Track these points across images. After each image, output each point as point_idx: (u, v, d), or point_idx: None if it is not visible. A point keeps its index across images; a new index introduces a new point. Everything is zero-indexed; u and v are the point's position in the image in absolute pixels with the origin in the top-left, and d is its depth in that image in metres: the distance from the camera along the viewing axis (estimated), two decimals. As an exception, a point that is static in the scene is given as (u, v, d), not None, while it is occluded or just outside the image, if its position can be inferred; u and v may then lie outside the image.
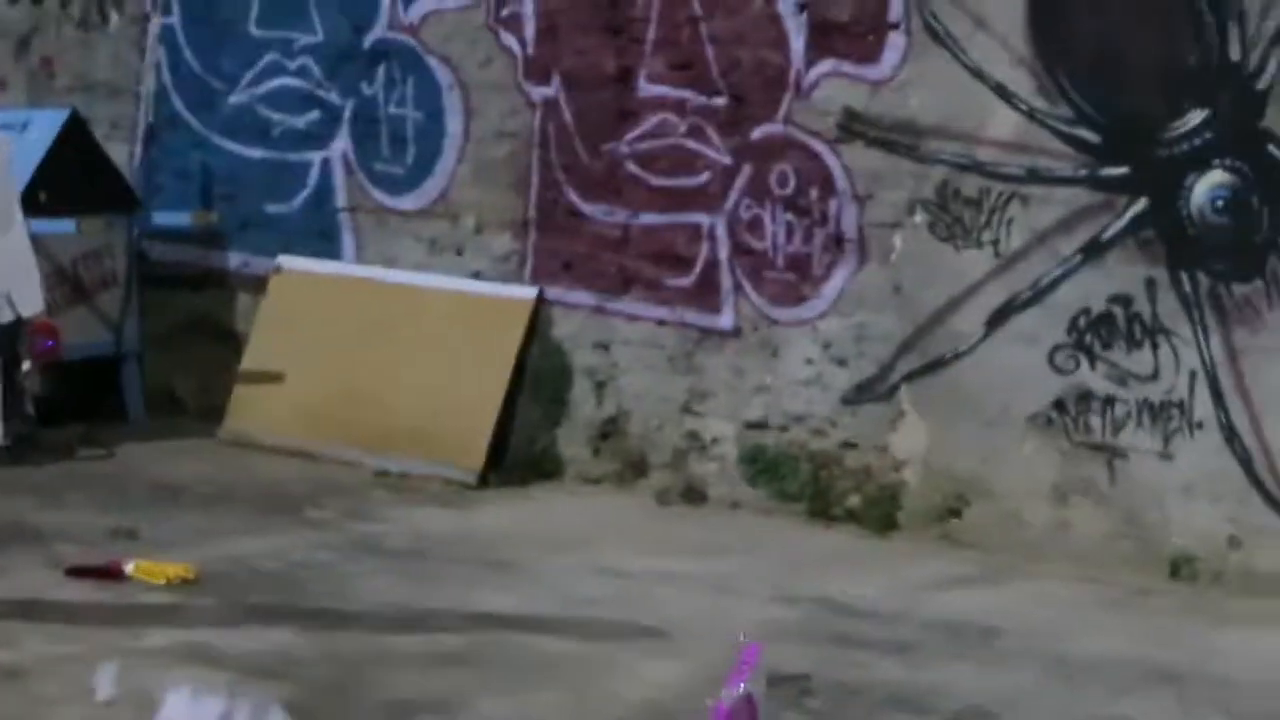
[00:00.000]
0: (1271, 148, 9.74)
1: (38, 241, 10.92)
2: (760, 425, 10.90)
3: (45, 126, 11.75)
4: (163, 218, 12.23)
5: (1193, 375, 9.93)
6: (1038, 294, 10.23)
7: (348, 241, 11.86)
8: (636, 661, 8.36)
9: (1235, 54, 9.80)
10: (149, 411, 11.96)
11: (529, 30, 11.33)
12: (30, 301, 8.37)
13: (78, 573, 9.00)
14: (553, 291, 11.32)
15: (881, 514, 10.58)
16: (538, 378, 11.33)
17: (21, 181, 11.37)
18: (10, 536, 9.37)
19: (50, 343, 8.43)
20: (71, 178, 11.58)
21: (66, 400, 11.80)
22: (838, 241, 10.69)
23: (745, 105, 10.82)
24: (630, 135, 11.13)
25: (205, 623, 8.58)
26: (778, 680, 8.20)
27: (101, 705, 7.46)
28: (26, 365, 11.06)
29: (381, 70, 11.70)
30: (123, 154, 12.21)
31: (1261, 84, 9.76)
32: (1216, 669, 8.62)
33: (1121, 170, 10.07)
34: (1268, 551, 9.74)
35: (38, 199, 11.36)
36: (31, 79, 12.55)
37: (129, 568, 9.13)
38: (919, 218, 10.50)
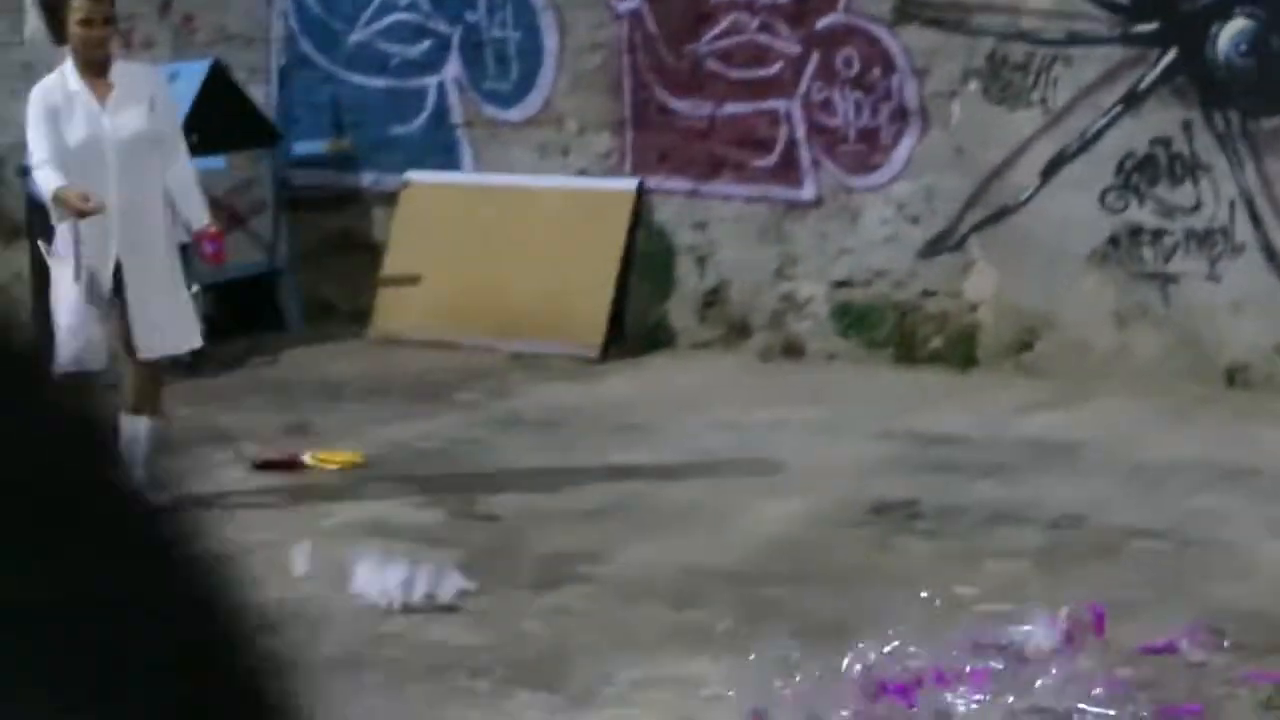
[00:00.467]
0: (1288, -5, 9.76)
1: (202, 174, 11.12)
2: (846, 283, 10.92)
3: (191, 77, 11.81)
4: (301, 147, 12.29)
5: (1232, 204, 9.93)
6: (1085, 144, 10.23)
7: (465, 154, 11.87)
8: (759, 501, 8.44)
9: (1252, -93, 9.80)
10: (305, 320, 12.04)
11: (612, -51, 11.35)
12: (197, 220, 8.45)
13: (264, 466, 9.13)
14: (651, 181, 11.33)
15: (961, 352, 10.61)
16: (645, 259, 11.35)
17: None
18: (202, 439, 9.48)
19: (213, 246, 8.43)
20: (218, 120, 11.63)
21: (232, 316, 11.92)
22: (902, 113, 10.69)
23: (810, 1, 10.82)
24: (708, 35, 11.11)
25: (378, 499, 8.70)
26: (886, 507, 8.33)
27: (300, 580, 7.62)
28: (195, 288, 11.20)
29: (484, -1, 11.73)
30: (261, 95, 12.24)
31: (1275, -64, 9.76)
32: (1278, 465, 8.69)
33: (1152, 26, 10.05)
34: (1311, 355, 9.81)
35: (190, 141, 11.45)
36: (175, 35, 12.57)
37: (307, 458, 9.24)
38: (973, 85, 10.49)
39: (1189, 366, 10.00)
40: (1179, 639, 6.63)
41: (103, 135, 8.26)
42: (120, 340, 8.38)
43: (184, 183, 8.49)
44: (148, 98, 8.42)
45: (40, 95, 8.42)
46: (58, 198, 8.22)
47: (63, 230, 8.34)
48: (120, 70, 8.43)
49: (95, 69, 8.33)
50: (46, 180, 8.31)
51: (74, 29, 8.30)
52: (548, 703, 6.40)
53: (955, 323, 10.64)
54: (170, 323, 8.49)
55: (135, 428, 8.45)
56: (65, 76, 8.39)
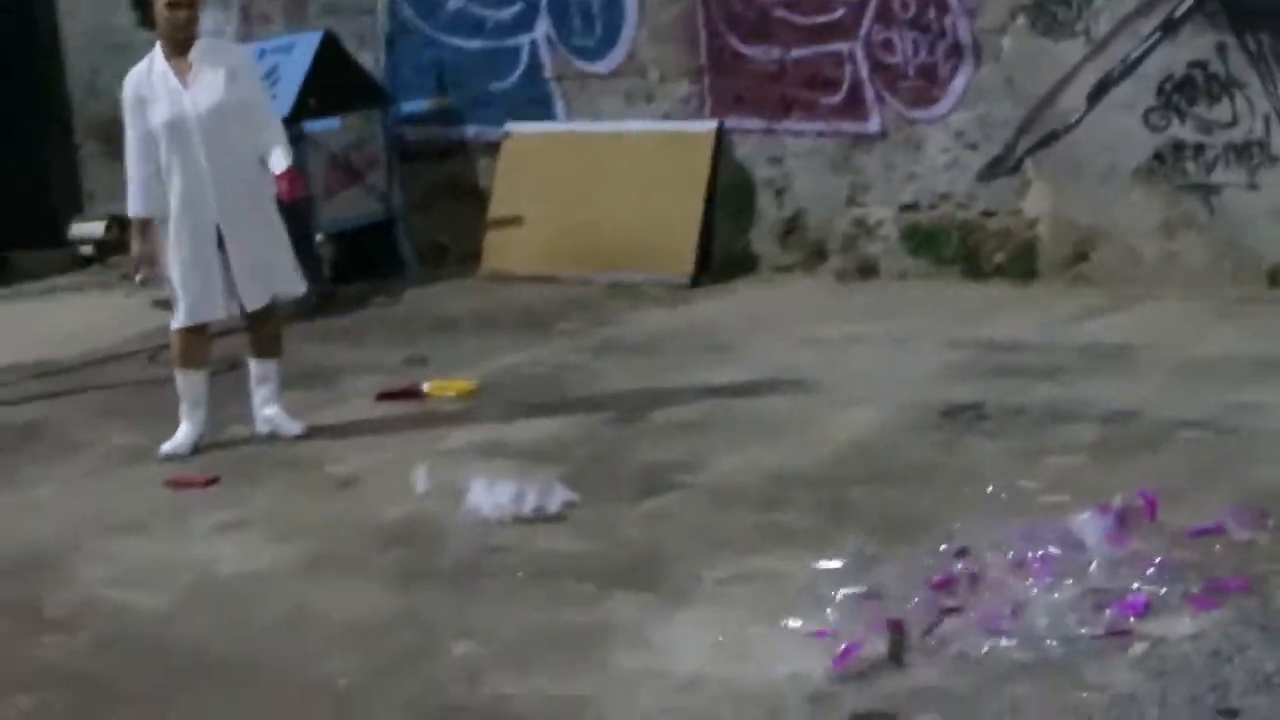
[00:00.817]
0: (1312, -87, 9.69)
1: (313, 138, 11.21)
2: (913, 207, 10.93)
3: (306, 47, 11.89)
4: (409, 106, 12.36)
5: (1267, 118, 9.89)
6: (1128, 68, 10.19)
7: (558, 105, 11.92)
8: (839, 411, 8.47)
9: None
10: (420, 262, 12.13)
11: (686, -93, 11.35)
12: (274, 166, 8.47)
13: (386, 396, 9.21)
14: (729, 121, 11.35)
15: (1022, 266, 10.61)
16: (727, 193, 11.38)
17: (292, 93, 11.59)
18: (330, 373, 9.58)
19: (283, 182, 8.46)
20: (332, 84, 11.72)
21: (355, 262, 12.04)
22: (956, 49, 10.66)
23: (869, -54, 10.83)
24: (777, -16, 11.16)
25: (491, 422, 8.77)
26: (955, 410, 8.35)
27: (421, 499, 7.71)
28: (319, 238, 11.32)
29: (568, -38, 11.76)
30: (370, 60, 12.32)
31: None
32: (1320, 357, 8.67)
33: (1186, -45, 10.02)
34: (1347, 255, 9.78)
35: (308, 105, 11.54)
36: (288, 10, 12.66)
37: (425, 387, 9.33)
38: (1021, 20, 10.45)
39: (1233, 270, 9.98)
40: (1225, 520, 6.62)
41: (185, 112, 8.32)
42: (230, 293, 8.49)
43: (268, 139, 8.51)
44: (226, 70, 8.41)
45: (130, 88, 8.51)
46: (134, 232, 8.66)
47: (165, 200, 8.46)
48: (200, 48, 8.44)
49: (179, 48, 8.37)
50: (131, 201, 8.59)
51: (161, 10, 8.33)
52: (645, 601, 6.46)
53: (1015, 239, 10.64)
54: (269, 273, 8.58)
55: (263, 369, 8.59)
56: (152, 60, 8.47)
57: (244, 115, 8.43)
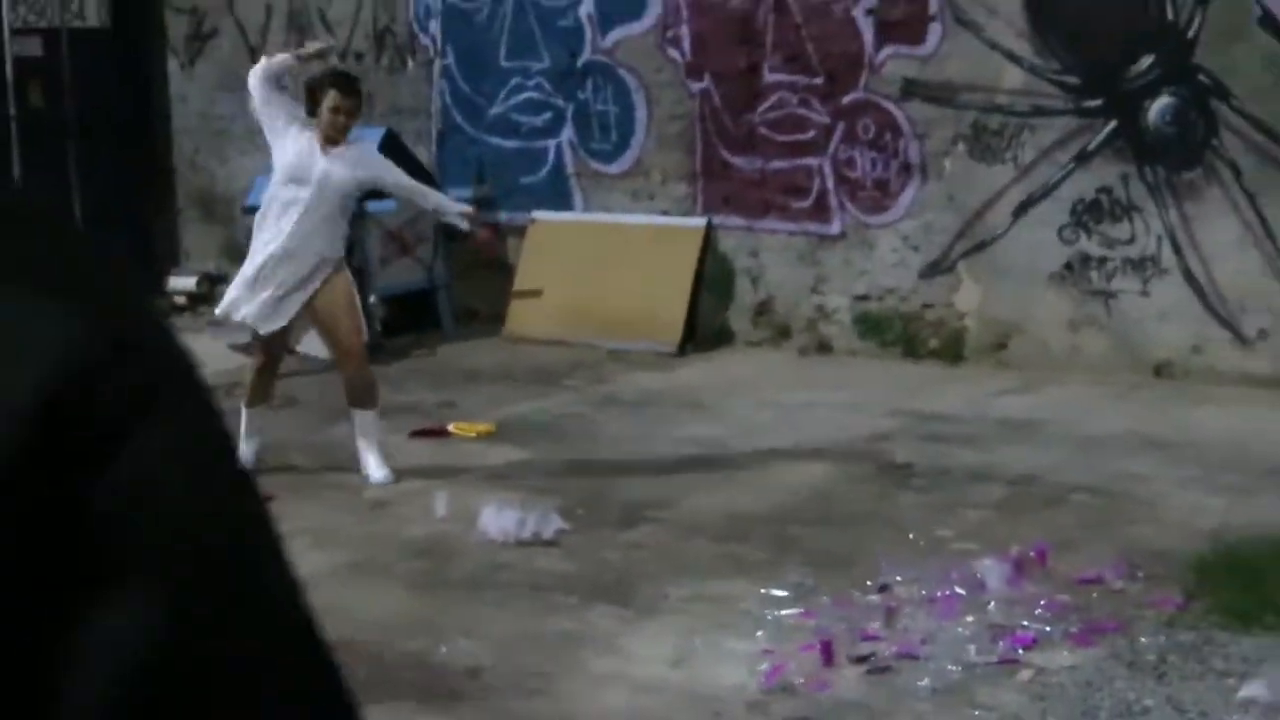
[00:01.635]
0: (1201, 77, 9.67)
1: (374, 216, 11.22)
2: (865, 297, 10.94)
3: (372, 140, 11.88)
4: (454, 192, 12.37)
5: (1159, 238, 9.91)
6: (1047, 191, 10.22)
7: (577, 197, 11.94)
8: (793, 463, 8.46)
9: (1170, 15, 9.72)
10: (456, 323, 12.13)
11: (687, 45, 11.36)
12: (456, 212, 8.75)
13: (419, 434, 9.17)
14: (717, 219, 11.37)
15: (953, 350, 10.61)
16: (711, 278, 11.40)
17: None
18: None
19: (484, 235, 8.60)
20: (392, 172, 11.76)
21: (402, 320, 12.03)
22: (907, 168, 10.68)
23: (837, 81, 10.80)
24: (760, 109, 11.13)
25: (503, 460, 8.75)
26: (889, 467, 8.34)
27: (440, 521, 7.70)
28: (373, 299, 11.30)
29: (590, 81, 11.77)
30: (424, 154, 12.35)
31: (1190, 34, 9.68)
32: (1192, 436, 8.65)
33: (1098, 101, 10.02)
34: (1220, 354, 9.74)
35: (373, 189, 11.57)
36: (360, 108, 12.71)
37: (451, 427, 9.29)
38: (960, 146, 10.48)
39: (1125, 362, 9.98)
40: (1104, 571, 6.63)
41: (310, 166, 8.12)
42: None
43: (437, 200, 8.76)
44: (360, 168, 8.28)
45: (283, 126, 8.27)
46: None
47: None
48: (349, 150, 8.29)
49: (331, 143, 8.19)
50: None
51: (324, 112, 8.14)
52: (618, 614, 6.46)
53: (948, 327, 10.64)
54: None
55: (356, 417, 8.41)
56: (310, 134, 8.24)
57: (346, 204, 8.33)
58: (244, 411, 8.49)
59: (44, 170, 12.84)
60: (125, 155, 13.44)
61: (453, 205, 8.64)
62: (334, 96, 8.15)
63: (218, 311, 8.59)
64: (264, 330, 8.37)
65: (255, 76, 8.33)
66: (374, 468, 8.31)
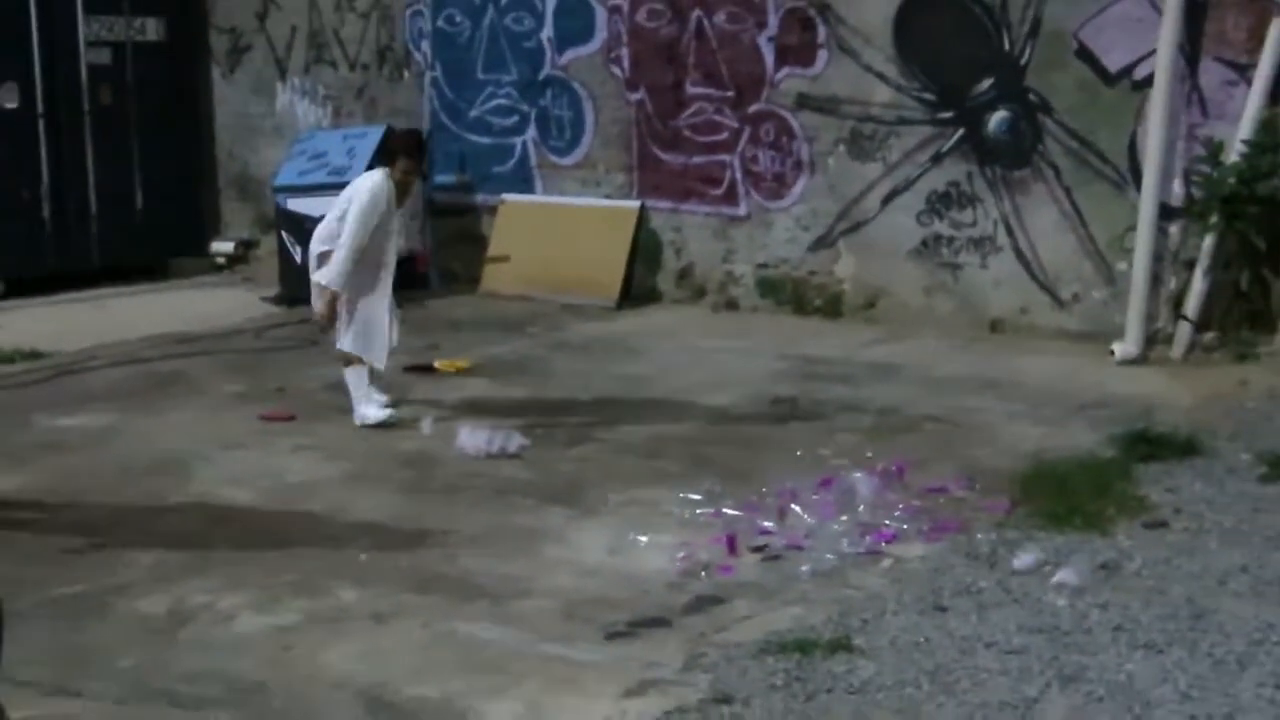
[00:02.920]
0: (1030, 96, 9.64)
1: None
2: (765, 265, 10.85)
3: (375, 134, 11.69)
4: (440, 179, 12.20)
5: (995, 222, 9.86)
6: (908, 184, 10.13)
7: (538, 184, 11.79)
8: (705, 395, 8.40)
9: (1007, 46, 9.69)
10: (440, 282, 12.00)
11: (626, 64, 11.24)
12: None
13: (411, 369, 9.05)
14: (649, 202, 11.25)
15: (833, 308, 10.51)
16: (643, 248, 11.28)
17: (364, 163, 11.36)
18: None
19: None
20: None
21: (396, 280, 11.83)
22: (799, 164, 10.60)
23: (744, 94, 10.70)
24: (684, 115, 10.99)
25: (477, 390, 8.67)
26: (779, 400, 8.31)
27: (426, 437, 7.64)
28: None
29: (549, 91, 11.63)
30: (416, 146, 12.20)
31: (1022, 62, 9.64)
32: (1018, 379, 8.62)
33: (950, 114, 9.96)
34: (1041, 314, 9.73)
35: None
36: (365, 110, 12.54)
37: (436, 364, 9.18)
38: (841, 148, 10.40)
39: (968, 320, 9.95)
40: (949, 483, 6.65)
41: (393, 227, 7.83)
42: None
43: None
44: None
45: (380, 198, 7.75)
46: (332, 295, 7.74)
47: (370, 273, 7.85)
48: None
49: (399, 199, 7.87)
50: (340, 278, 7.72)
51: (397, 174, 7.77)
52: (568, 514, 6.43)
53: (829, 290, 10.59)
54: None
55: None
56: (386, 181, 7.80)
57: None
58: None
59: (112, 157, 12.68)
60: (177, 146, 13.27)
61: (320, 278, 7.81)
62: (407, 165, 7.82)
63: (380, 367, 8.01)
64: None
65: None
66: (371, 409, 8.07)
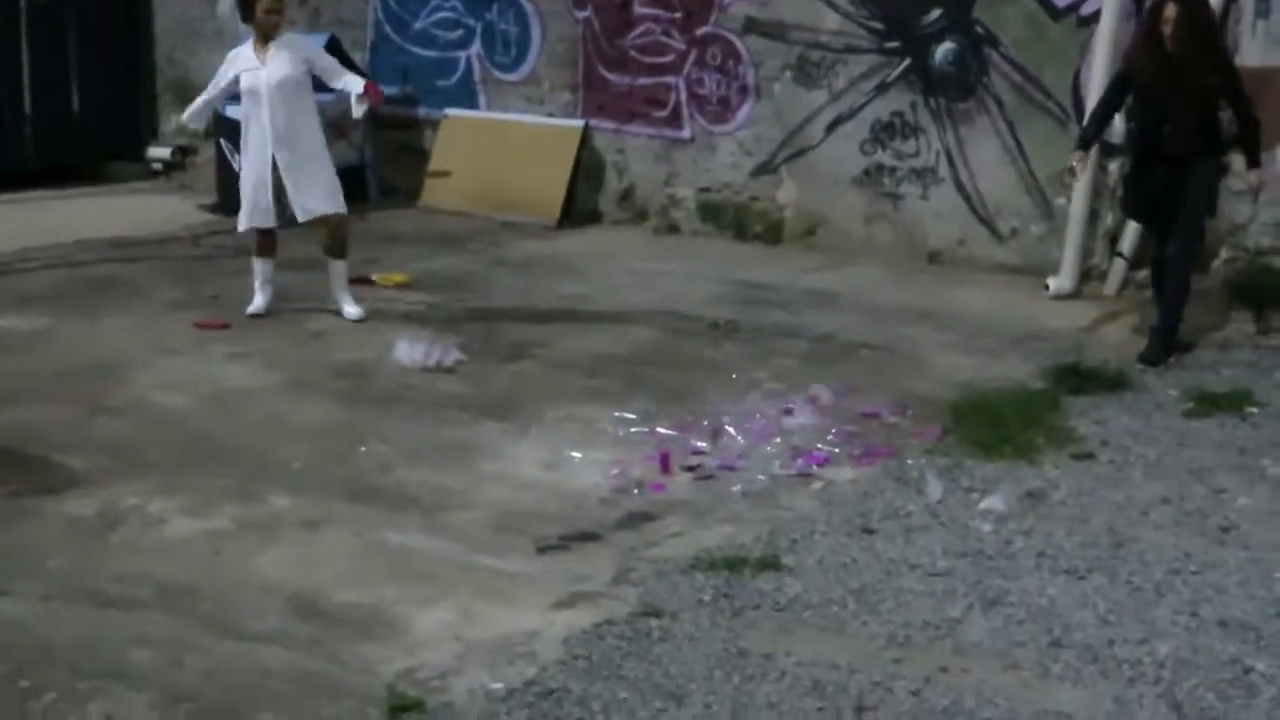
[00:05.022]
0: (977, 28, 9.63)
1: (320, 106, 10.89)
2: (707, 190, 10.83)
3: (318, 42, 11.57)
4: (386, 90, 12.07)
5: (938, 153, 9.86)
6: (853, 113, 10.10)
7: (482, 99, 11.69)
8: (643, 316, 8.40)
9: (956, -23, 9.70)
10: (381, 195, 11.89)
11: (574, -20, 11.19)
12: (358, 85, 8.28)
13: (350, 282, 8.96)
14: (593, 122, 11.18)
15: (773, 235, 10.54)
16: (586, 167, 11.24)
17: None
18: (313, 264, 9.23)
19: (371, 90, 8.22)
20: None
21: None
22: (744, 89, 10.56)
23: (693, 16, 10.62)
24: (631, 35, 10.93)
25: (416, 304, 8.64)
26: (717, 323, 8.32)
27: (384, 350, 7.53)
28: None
29: (496, 6, 11.50)
30: (359, 58, 12.02)
31: (970, -7, 9.68)
32: (954, 309, 8.66)
33: (896, 43, 9.94)
34: (980, 247, 9.78)
35: (317, 81, 11.21)
36: (310, 19, 12.32)
37: (374, 277, 9.10)
38: (787, 74, 10.36)
39: (907, 250, 9.99)
40: (882, 409, 6.71)
41: (260, 81, 8.04)
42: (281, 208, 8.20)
43: (347, 81, 8.31)
44: (296, 54, 8.14)
45: (231, 55, 8.34)
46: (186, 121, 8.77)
47: (243, 138, 8.23)
48: (280, 41, 8.15)
49: (264, 40, 8.07)
50: (188, 112, 8.58)
51: (259, 14, 8.02)
52: (503, 429, 6.44)
53: (770, 217, 10.59)
54: (317, 196, 8.20)
55: (333, 266, 8.28)
56: (248, 46, 8.19)
57: (303, 86, 8.14)
58: (256, 262, 8.31)
59: (47, 56, 12.45)
60: (115, 48, 13.05)
61: (355, 86, 8.25)
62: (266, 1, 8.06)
63: (240, 229, 8.35)
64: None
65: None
66: (349, 306, 8.23)
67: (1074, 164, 7.84)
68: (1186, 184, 7.47)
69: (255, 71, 8.09)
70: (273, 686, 4.14)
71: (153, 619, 4.55)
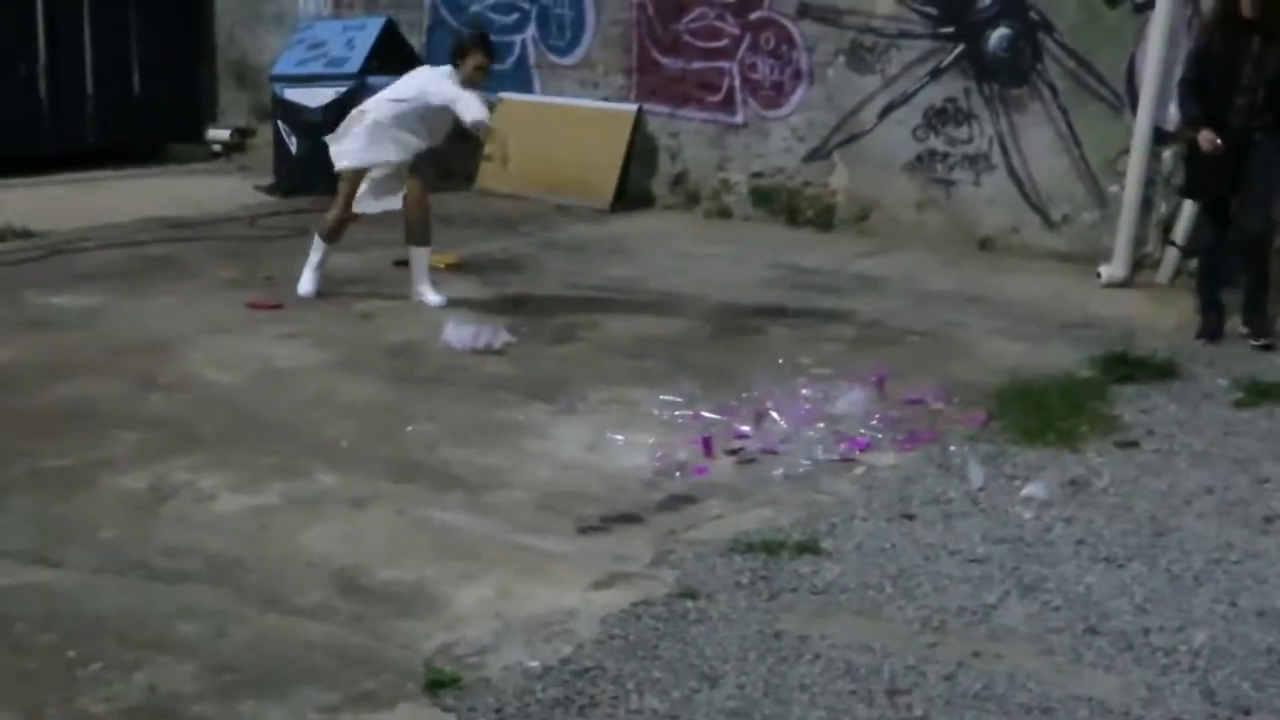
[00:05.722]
0: (1031, 14, 9.60)
1: (373, 88, 10.95)
2: (759, 174, 10.87)
3: (374, 26, 11.69)
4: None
5: (991, 139, 9.86)
6: (906, 98, 10.12)
7: (537, 83, 11.77)
8: (692, 299, 8.46)
9: (1009, -38, 9.65)
10: (437, 179, 11.94)
11: (629, -35, 11.22)
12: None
13: (400, 264, 8.96)
14: (646, 106, 11.24)
15: (825, 220, 10.57)
16: (639, 152, 11.29)
17: (363, 55, 11.38)
18: (367, 245, 9.38)
19: None
20: (390, 54, 11.50)
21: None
22: (798, 73, 10.57)
23: (746, 2, 10.63)
24: (685, 19, 10.97)
25: (467, 286, 8.71)
26: (765, 307, 8.34)
27: (434, 331, 7.61)
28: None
29: (551, -11, 11.63)
30: (416, 42, 12.12)
31: (1027, -21, 9.62)
32: (1004, 296, 8.68)
33: (950, 29, 9.93)
34: (1032, 234, 9.77)
35: (373, 65, 11.32)
36: (366, 1, 12.44)
37: (429, 259, 9.18)
38: (841, 59, 10.37)
39: (959, 237, 9.98)
40: (926, 395, 6.70)
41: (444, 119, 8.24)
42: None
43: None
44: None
45: (440, 74, 8.15)
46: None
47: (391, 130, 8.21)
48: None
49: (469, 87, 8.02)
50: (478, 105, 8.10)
51: (469, 70, 7.99)
52: (548, 409, 6.49)
53: (822, 202, 10.61)
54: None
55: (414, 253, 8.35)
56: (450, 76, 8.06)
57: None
58: (324, 248, 8.32)
59: (110, 36, 12.61)
60: (177, 29, 13.20)
61: (469, 114, 8.05)
62: (480, 61, 8.04)
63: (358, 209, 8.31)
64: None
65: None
66: (430, 293, 8.24)
67: (1210, 137, 7.48)
68: (1254, 159, 7.42)
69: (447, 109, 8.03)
70: (314, 659, 4.21)
71: (199, 592, 4.63)
